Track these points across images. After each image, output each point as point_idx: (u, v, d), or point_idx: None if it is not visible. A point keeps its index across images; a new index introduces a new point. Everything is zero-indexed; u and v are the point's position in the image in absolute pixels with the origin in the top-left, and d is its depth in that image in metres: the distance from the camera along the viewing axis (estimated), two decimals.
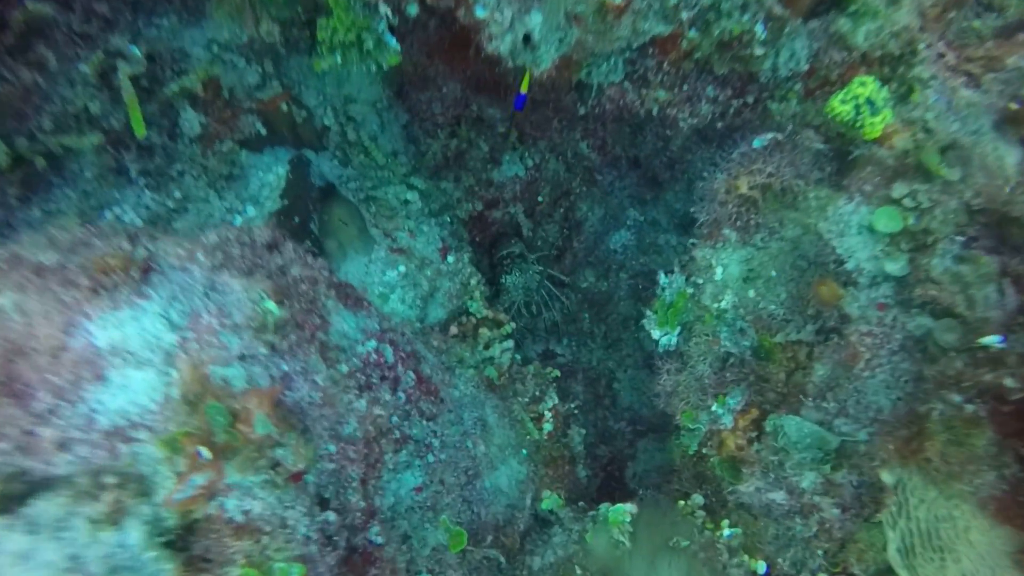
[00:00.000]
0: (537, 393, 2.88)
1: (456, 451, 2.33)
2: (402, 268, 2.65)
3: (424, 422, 2.17)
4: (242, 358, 1.42)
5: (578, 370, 4.42)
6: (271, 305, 1.48)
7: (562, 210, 4.45)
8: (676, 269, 2.38)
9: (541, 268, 4.32)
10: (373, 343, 1.86)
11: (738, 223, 2.27)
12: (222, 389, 1.33)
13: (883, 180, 2.06)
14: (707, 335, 2.28)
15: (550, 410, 2.78)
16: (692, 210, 2.39)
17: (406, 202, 2.88)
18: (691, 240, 2.37)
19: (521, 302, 4.24)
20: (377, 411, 1.77)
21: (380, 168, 3.07)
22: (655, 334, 2.38)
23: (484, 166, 3.95)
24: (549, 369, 2.98)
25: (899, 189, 1.99)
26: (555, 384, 2.98)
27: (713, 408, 2.28)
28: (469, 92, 3.40)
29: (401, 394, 2.01)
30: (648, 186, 4.78)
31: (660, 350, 2.39)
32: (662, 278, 2.40)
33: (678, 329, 2.34)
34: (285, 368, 1.51)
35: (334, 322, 1.76)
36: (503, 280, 4.07)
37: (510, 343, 2.78)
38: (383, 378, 1.91)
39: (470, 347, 2.81)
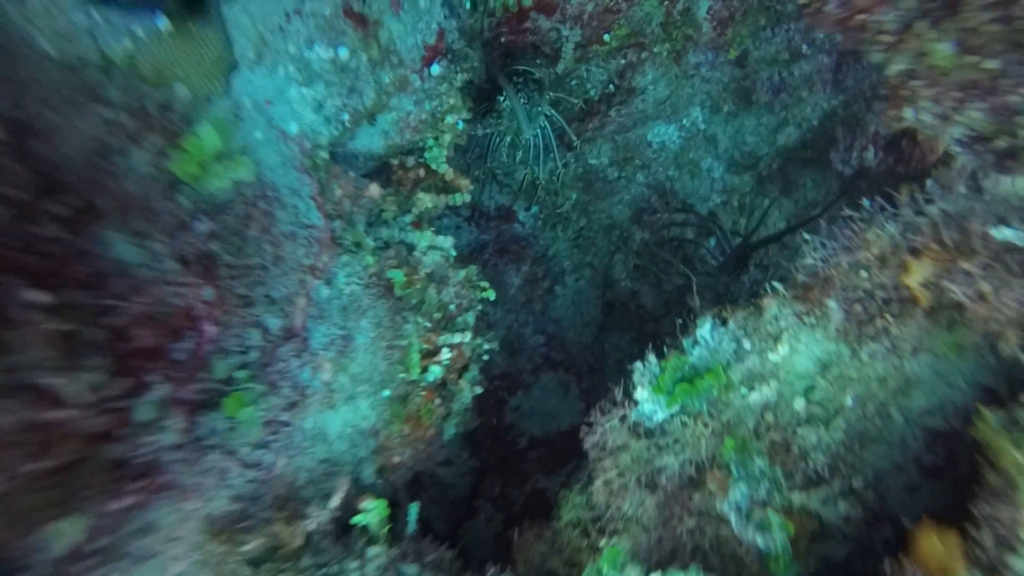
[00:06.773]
0: (451, 310, 2.02)
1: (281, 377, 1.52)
2: (344, 52, 1.54)
3: None
4: None
5: (529, 254, 3.56)
6: None
7: (623, 62, 3.27)
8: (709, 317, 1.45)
9: (552, 113, 3.22)
10: None
11: (860, 309, 1.37)
12: None
13: None
14: (704, 432, 1.44)
15: (453, 346, 1.94)
16: (804, 246, 1.44)
17: None
18: (771, 283, 1.45)
19: (507, 140, 3.19)
20: None
21: None
22: (640, 396, 1.48)
23: None
24: (484, 285, 2.10)
25: None
26: (481, 306, 2.12)
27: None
28: None
29: None
30: (735, 95, 3.62)
31: (636, 416, 1.53)
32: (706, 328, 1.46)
33: (673, 409, 1.47)
34: None
35: None
36: (500, 100, 2.96)
37: (448, 241, 1.86)
38: None
39: (391, 213, 1.87)
